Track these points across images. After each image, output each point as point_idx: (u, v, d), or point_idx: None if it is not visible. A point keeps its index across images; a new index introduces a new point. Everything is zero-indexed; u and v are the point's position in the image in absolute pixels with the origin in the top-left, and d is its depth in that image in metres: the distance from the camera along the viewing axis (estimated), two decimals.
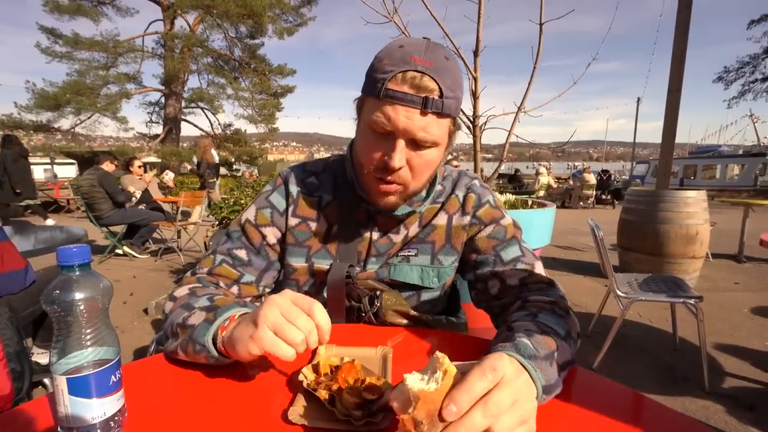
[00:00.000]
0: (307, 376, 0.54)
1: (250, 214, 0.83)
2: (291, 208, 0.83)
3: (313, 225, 0.83)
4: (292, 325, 0.53)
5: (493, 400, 0.38)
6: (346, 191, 0.83)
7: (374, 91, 0.67)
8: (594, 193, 11.57)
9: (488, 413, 0.38)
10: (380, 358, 0.64)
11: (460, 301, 1.00)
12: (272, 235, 0.83)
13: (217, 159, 7.10)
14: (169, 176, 7.83)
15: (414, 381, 0.40)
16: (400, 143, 0.67)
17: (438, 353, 0.41)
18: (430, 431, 0.37)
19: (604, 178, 12.56)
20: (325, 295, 0.83)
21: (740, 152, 18.67)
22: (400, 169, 0.69)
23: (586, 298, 3.40)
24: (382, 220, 0.82)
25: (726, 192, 13.32)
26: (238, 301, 0.68)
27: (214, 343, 0.58)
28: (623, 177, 20.10)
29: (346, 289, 0.81)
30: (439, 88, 0.65)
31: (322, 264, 0.82)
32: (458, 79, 0.70)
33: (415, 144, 0.68)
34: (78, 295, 0.43)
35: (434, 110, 0.66)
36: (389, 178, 0.70)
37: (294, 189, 0.84)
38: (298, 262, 0.83)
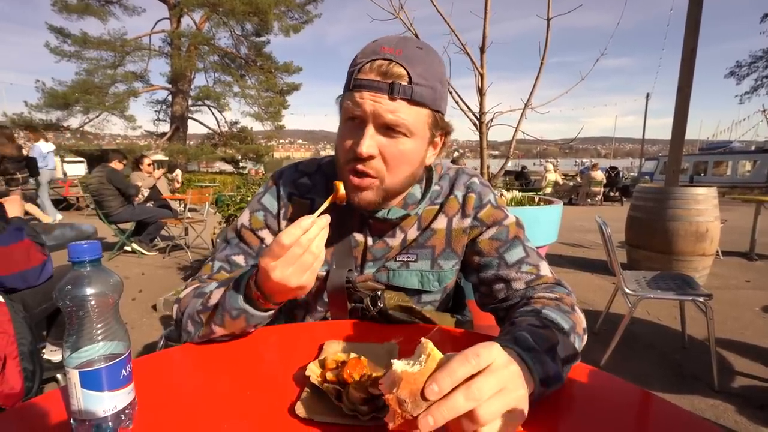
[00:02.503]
0: (314, 371, 0.55)
1: (244, 218, 0.83)
2: (283, 211, 0.83)
3: None
4: (300, 260, 0.58)
5: (476, 385, 0.39)
6: None
7: (347, 84, 0.68)
8: (602, 190, 11.45)
9: (471, 396, 0.38)
10: (386, 354, 0.64)
11: (465, 299, 0.99)
12: (269, 237, 0.82)
13: (30, 151, 5.67)
14: (176, 174, 7.87)
15: (399, 364, 0.41)
16: (369, 128, 0.67)
17: (423, 339, 0.43)
18: (414, 410, 0.38)
19: (613, 175, 12.44)
20: (325, 299, 0.83)
21: (752, 148, 18.35)
22: (370, 158, 0.68)
23: (594, 296, 3.38)
24: (377, 225, 0.80)
25: (737, 189, 13.11)
26: (248, 268, 0.70)
27: (251, 303, 0.62)
28: (632, 174, 19.88)
29: (346, 293, 0.81)
30: (408, 74, 0.65)
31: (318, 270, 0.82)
32: (434, 70, 0.68)
33: (386, 130, 0.67)
34: (89, 291, 0.44)
35: (402, 96, 0.65)
36: (360, 167, 0.68)
37: (285, 191, 0.84)
38: None
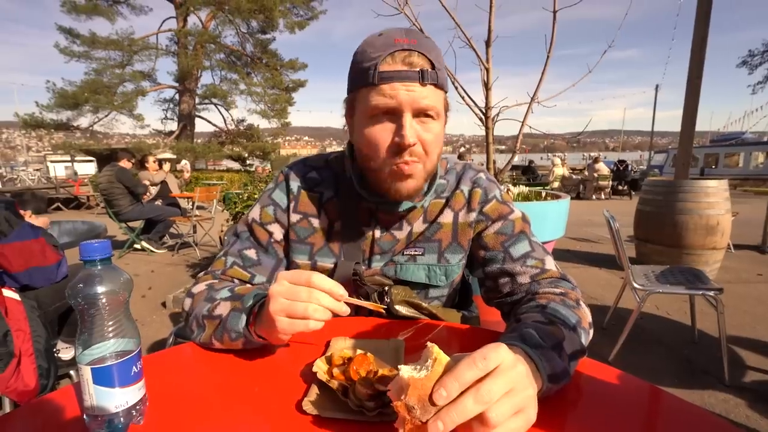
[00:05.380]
0: (320, 367, 0.55)
1: (255, 213, 0.84)
2: (292, 205, 0.84)
3: (315, 221, 0.83)
4: (297, 302, 0.55)
5: (485, 387, 0.38)
6: (346, 189, 0.82)
7: (367, 79, 0.67)
8: (609, 183, 11.28)
9: (480, 400, 0.38)
10: (392, 350, 0.64)
11: (472, 295, 0.99)
12: (278, 231, 0.83)
13: None
14: (183, 164, 7.93)
15: (406, 370, 0.41)
16: (408, 117, 0.67)
17: (429, 343, 0.42)
18: (423, 416, 0.38)
19: (621, 168, 12.25)
20: None
21: (765, 139, 17.97)
22: (414, 145, 0.68)
23: (602, 291, 3.35)
24: (384, 218, 0.81)
25: (750, 181, 12.86)
26: (260, 289, 0.70)
27: (249, 329, 0.62)
28: (641, 167, 19.62)
29: (353, 286, 0.82)
30: (430, 61, 0.67)
31: (326, 262, 0.83)
32: (441, 55, 0.71)
33: (420, 117, 0.69)
34: (100, 289, 0.45)
35: (431, 81, 0.67)
36: (406, 157, 0.69)
37: (295, 185, 0.84)
38: (302, 260, 0.84)
